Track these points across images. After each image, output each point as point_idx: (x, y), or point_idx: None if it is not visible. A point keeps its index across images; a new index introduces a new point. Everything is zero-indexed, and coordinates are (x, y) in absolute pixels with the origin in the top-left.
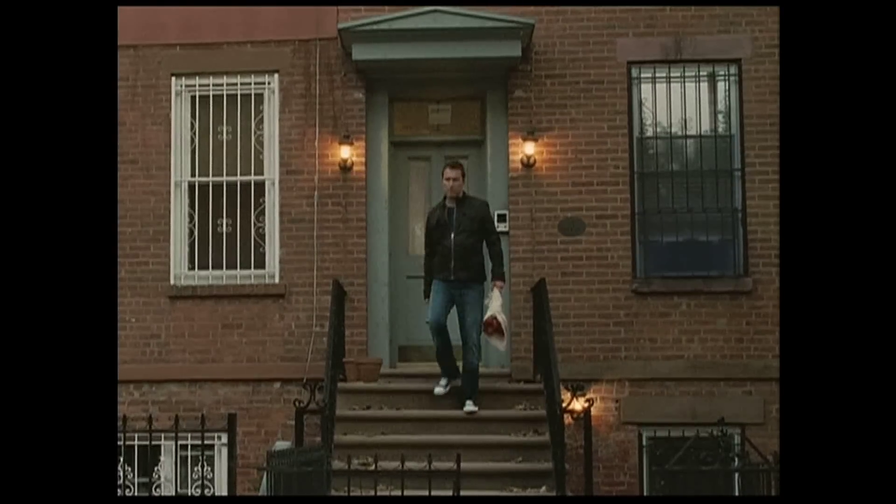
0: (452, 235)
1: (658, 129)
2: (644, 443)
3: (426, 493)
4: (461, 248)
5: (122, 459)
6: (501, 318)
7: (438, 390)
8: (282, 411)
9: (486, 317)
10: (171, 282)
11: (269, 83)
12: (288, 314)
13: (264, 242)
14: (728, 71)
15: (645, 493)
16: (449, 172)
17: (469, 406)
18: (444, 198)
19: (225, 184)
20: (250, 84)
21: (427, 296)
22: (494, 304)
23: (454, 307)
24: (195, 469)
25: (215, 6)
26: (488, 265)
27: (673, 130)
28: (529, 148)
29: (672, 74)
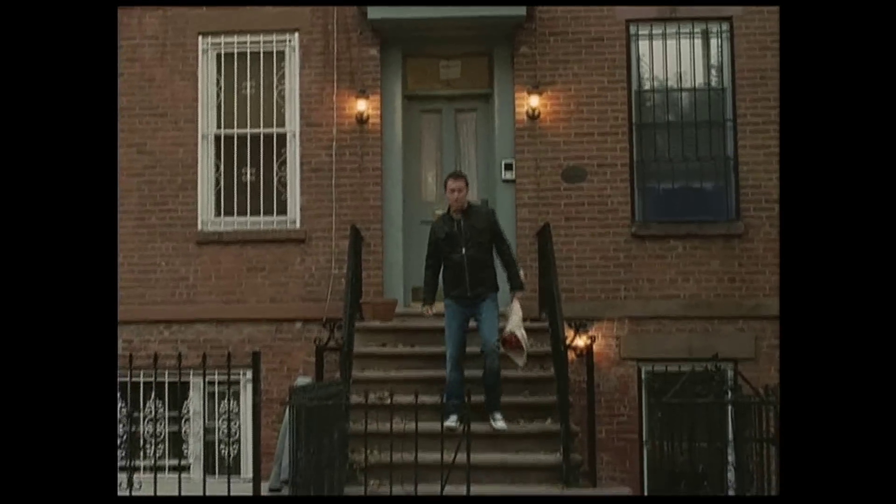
0: (463, 250)
1: (655, 83)
2: (643, 377)
3: (438, 425)
4: (474, 263)
5: (153, 395)
6: (520, 333)
7: (451, 424)
8: (303, 349)
9: (504, 332)
10: (199, 228)
11: (289, 41)
12: (308, 258)
13: (286, 190)
14: (720, 28)
15: (643, 425)
16: (452, 183)
17: (499, 422)
18: (449, 209)
19: (249, 135)
20: (272, 42)
21: (427, 303)
22: (514, 319)
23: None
24: (222, 403)
25: None
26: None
27: (669, 84)
28: (534, 101)
29: (668, 31)
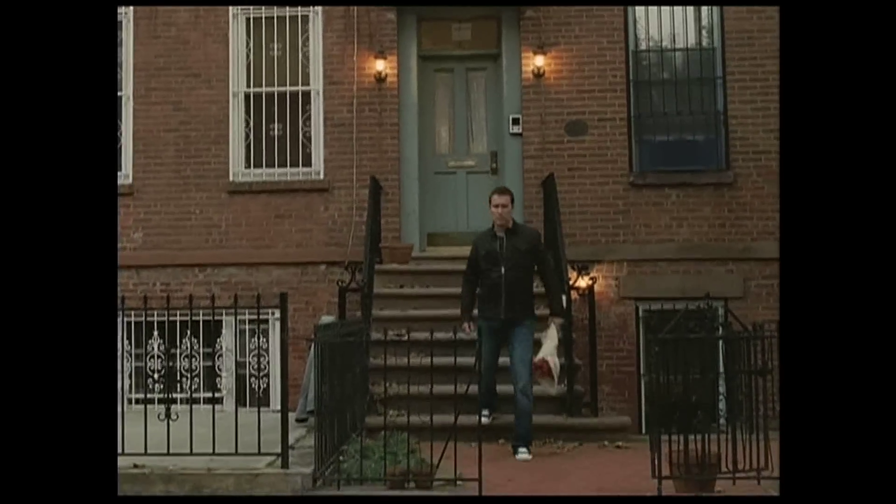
0: (503, 270)
1: (650, 43)
2: (640, 315)
3: (451, 359)
4: (511, 285)
5: (189, 333)
6: (553, 361)
7: (485, 420)
8: (327, 290)
9: (536, 358)
10: (230, 178)
11: (312, 6)
12: (331, 206)
13: (310, 144)
14: None
15: (641, 359)
16: (497, 198)
17: (522, 454)
18: (493, 226)
19: (276, 93)
20: (297, 7)
21: (465, 319)
22: (548, 345)
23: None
24: (252, 340)
25: None
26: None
27: (663, 44)
28: (539, 60)
29: None
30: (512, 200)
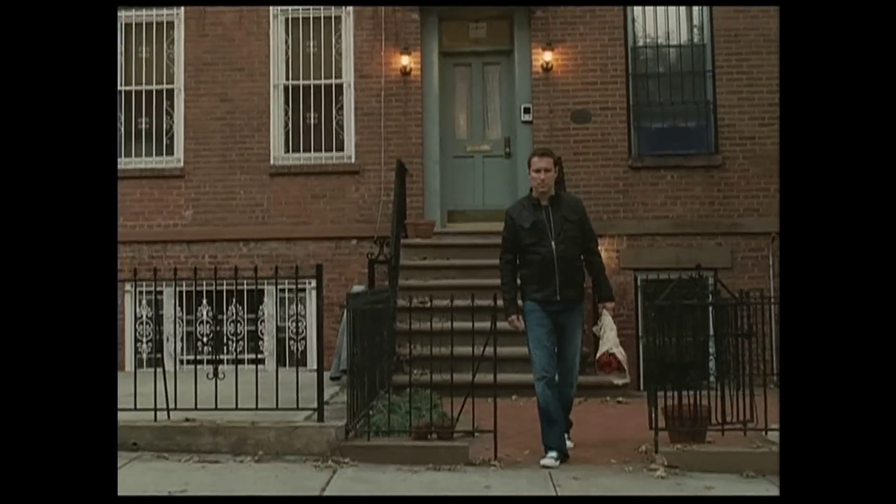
0: (553, 244)
1: (647, 40)
2: (638, 283)
3: (470, 324)
4: (565, 260)
5: (234, 300)
6: (619, 353)
7: (548, 463)
8: (357, 262)
9: (601, 353)
10: (271, 162)
11: (345, 7)
12: (362, 186)
13: (343, 131)
14: None
15: (639, 323)
16: (538, 162)
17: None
18: (531, 191)
19: (312, 86)
20: (331, 8)
21: (511, 313)
22: (610, 336)
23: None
24: (291, 307)
25: None
26: None
27: (659, 41)
28: (548, 56)
29: None
30: (555, 164)
